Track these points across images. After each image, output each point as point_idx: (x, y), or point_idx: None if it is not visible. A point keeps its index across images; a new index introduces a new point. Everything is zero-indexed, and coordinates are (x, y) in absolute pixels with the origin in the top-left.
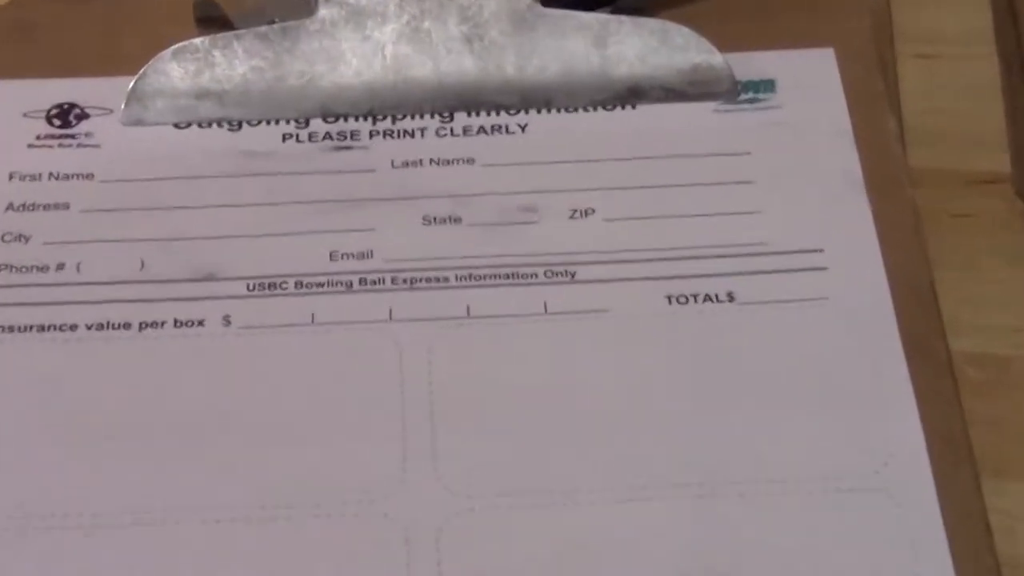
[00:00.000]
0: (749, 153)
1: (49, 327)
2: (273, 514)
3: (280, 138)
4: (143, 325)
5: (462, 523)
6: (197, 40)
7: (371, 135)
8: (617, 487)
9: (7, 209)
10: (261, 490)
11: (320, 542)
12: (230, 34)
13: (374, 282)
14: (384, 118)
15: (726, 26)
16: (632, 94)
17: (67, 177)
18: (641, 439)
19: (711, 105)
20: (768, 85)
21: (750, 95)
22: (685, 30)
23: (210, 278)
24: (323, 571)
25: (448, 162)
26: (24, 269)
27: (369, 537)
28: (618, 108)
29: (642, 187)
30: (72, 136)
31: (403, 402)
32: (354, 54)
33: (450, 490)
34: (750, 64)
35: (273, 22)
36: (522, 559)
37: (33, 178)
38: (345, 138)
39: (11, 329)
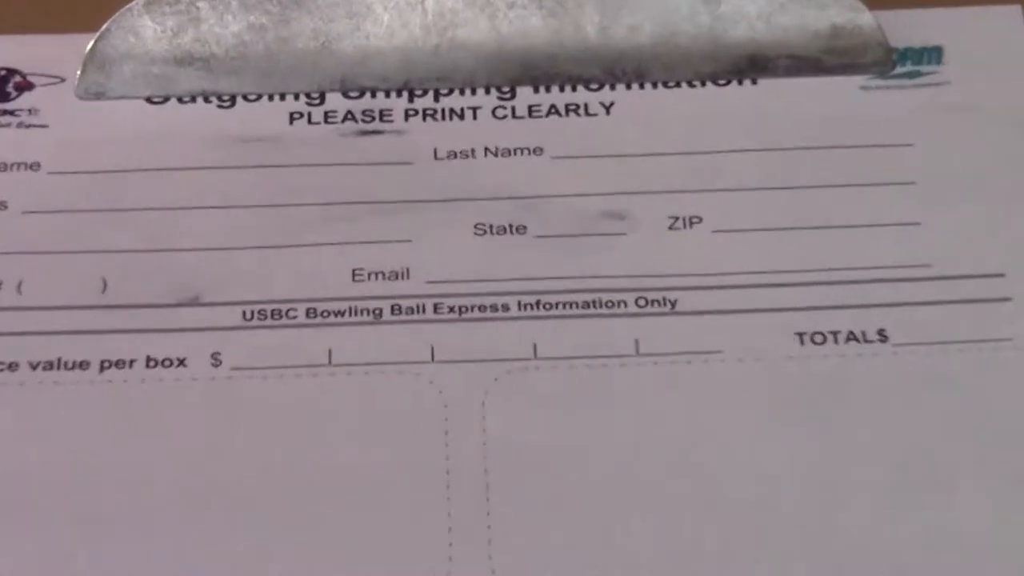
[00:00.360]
0: (908, 145)
1: None
2: None
3: (287, 118)
4: (105, 364)
5: None
6: None
7: (407, 116)
8: None
9: None
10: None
11: None
12: None
13: (411, 310)
14: (424, 94)
15: None
16: (752, 65)
17: (4, 167)
18: (758, 525)
19: (857, 80)
20: (933, 54)
21: (909, 67)
22: None
23: (194, 303)
24: None
25: (509, 152)
26: None
27: None
28: (733, 83)
29: (764, 188)
30: (12, 112)
31: (449, 468)
32: (385, 7)
33: None
34: (910, 25)
35: None
36: None
37: None
38: (373, 119)
39: None
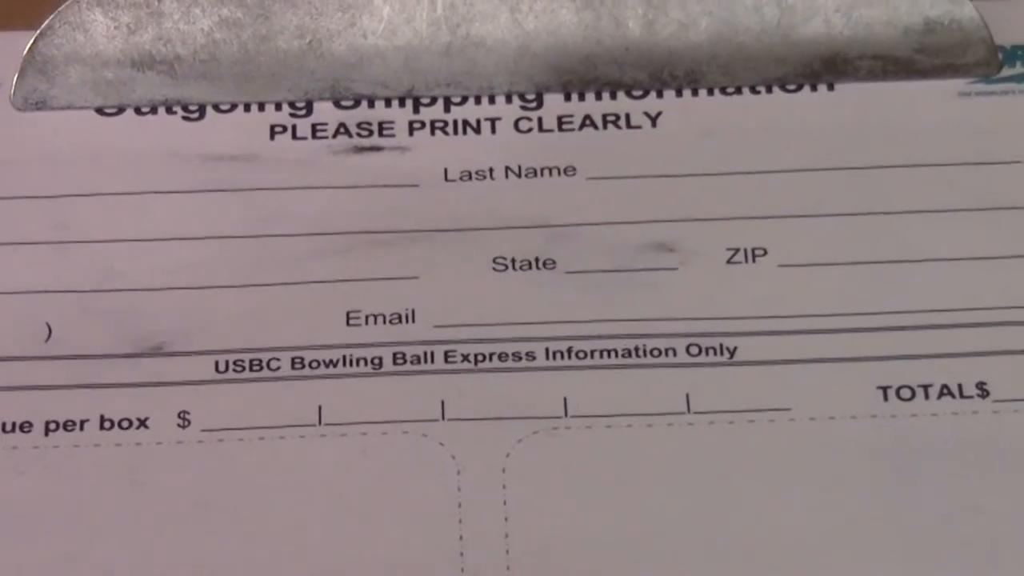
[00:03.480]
0: (1016, 162)
1: None
2: None
3: (267, 132)
4: (52, 425)
5: None
6: None
7: (412, 129)
8: None
9: None
10: None
11: None
12: None
13: (417, 359)
14: (433, 102)
15: None
16: (828, 67)
17: None
18: None
19: (955, 85)
20: None
21: (1018, 68)
22: None
23: (157, 352)
24: None
25: (535, 172)
26: None
27: None
28: (805, 89)
29: (841, 215)
30: None
31: (463, 549)
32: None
33: None
34: (1020, 18)
35: None
36: None
37: None
38: (371, 133)
39: None
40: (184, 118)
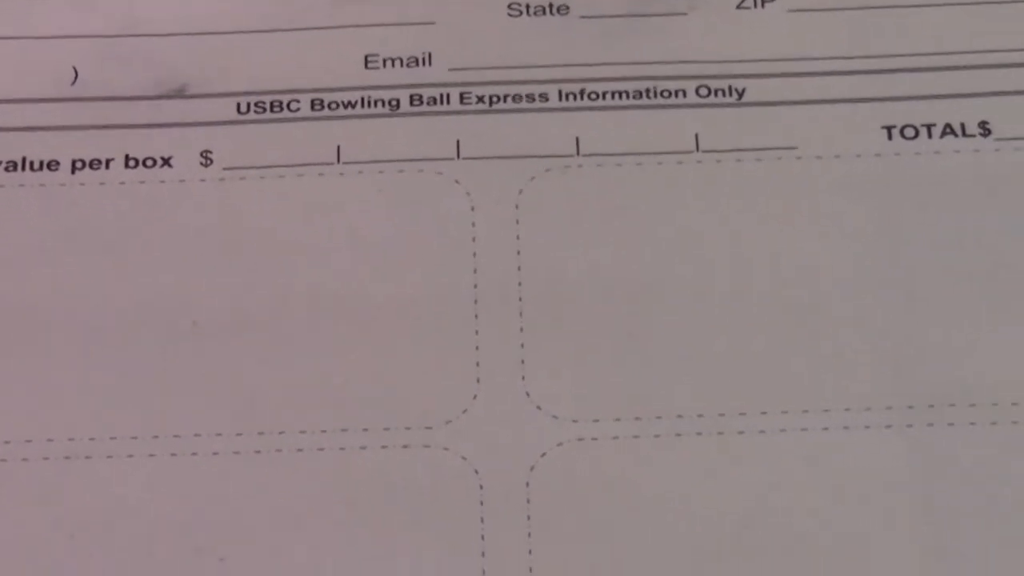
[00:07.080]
0: None
1: None
2: (280, 444)
3: None
4: (78, 164)
5: (563, 459)
6: None
7: None
8: (792, 410)
9: None
10: (259, 412)
11: (349, 485)
12: None
13: (433, 100)
14: None
15: None
16: None
17: None
18: (833, 343)
19: None
20: None
21: None
22: None
23: (180, 94)
24: (354, 522)
25: None
26: None
27: (424, 479)
28: None
29: None
30: None
31: (477, 282)
32: None
33: (546, 411)
34: None
35: None
36: (654, 506)
37: None
38: None
39: None
40: None
